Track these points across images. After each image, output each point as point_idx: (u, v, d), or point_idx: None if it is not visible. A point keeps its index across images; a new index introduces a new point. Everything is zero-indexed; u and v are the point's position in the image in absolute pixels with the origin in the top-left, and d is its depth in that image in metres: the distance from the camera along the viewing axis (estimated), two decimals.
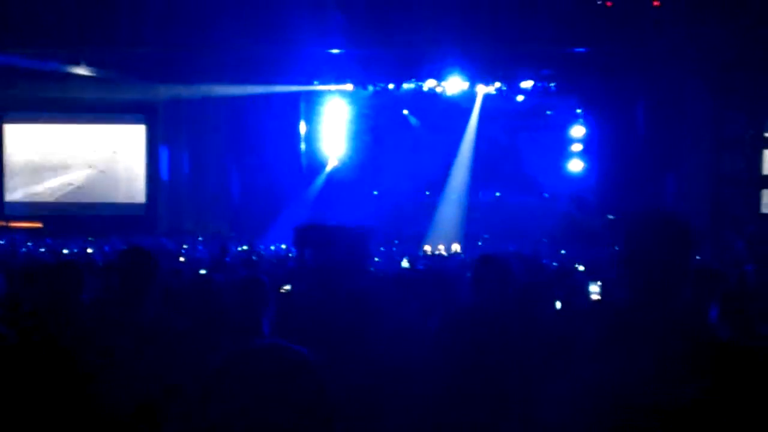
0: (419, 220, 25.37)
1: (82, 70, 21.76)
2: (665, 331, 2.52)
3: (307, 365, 2.15)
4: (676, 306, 2.59)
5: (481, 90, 24.91)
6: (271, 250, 18.46)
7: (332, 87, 25.00)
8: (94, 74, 22.09)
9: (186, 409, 2.70)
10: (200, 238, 22.38)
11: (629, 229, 2.70)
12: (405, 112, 26.81)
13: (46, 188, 25.98)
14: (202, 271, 9.72)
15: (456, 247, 21.48)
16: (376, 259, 16.05)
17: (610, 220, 23.70)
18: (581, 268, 11.83)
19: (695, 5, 18.51)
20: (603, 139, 25.54)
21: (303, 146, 26.80)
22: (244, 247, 17.93)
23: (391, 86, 24.75)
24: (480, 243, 22.72)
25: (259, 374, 2.08)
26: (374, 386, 3.75)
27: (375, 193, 26.94)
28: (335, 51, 20.58)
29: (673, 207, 20.36)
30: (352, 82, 24.69)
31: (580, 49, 20.28)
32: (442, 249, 20.71)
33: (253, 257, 13.78)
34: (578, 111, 26.16)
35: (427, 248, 21.49)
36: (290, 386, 2.07)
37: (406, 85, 24.57)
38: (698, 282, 5.40)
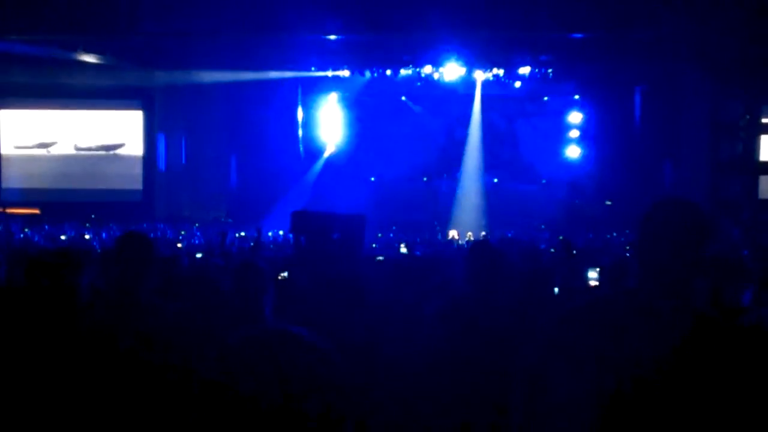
0: (417, 206, 25.40)
1: (79, 56, 21.72)
2: (677, 319, 2.52)
3: (315, 349, 2.19)
4: (688, 293, 2.59)
5: (479, 76, 24.86)
6: (268, 236, 18.46)
7: (329, 73, 24.93)
8: (92, 60, 22.05)
9: (195, 392, 2.71)
10: (197, 225, 22.39)
11: (644, 216, 2.69)
12: (403, 98, 26.77)
13: (43, 174, 25.94)
14: (199, 255, 9.72)
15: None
16: (374, 245, 16.08)
17: (608, 206, 23.77)
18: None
19: None
20: (600, 126, 25.55)
21: (301, 132, 26.77)
22: (242, 234, 17.93)
23: (388, 72, 24.70)
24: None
25: (268, 358, 2.10)
26: (367, 372, 3.75)
27: (372, 179, 26.93)
28: (332, 37, 20.51)
29: (670, 193, 20.36)
30: (349, 68, 24.65)
31: (578, 35, 20.23)
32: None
33: (251, 243, 13.78)
34: (576, 97, 26.16)
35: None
36: (298, 369, 2.10)
37: (403, 71, 24.52)
38: (717, 270, 5.43)
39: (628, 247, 14.96)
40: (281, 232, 19.60)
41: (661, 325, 2.51)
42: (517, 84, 25.12)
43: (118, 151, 26.25)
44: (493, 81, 25.00)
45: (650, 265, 2.61)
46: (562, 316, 2.70)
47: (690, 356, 2.46)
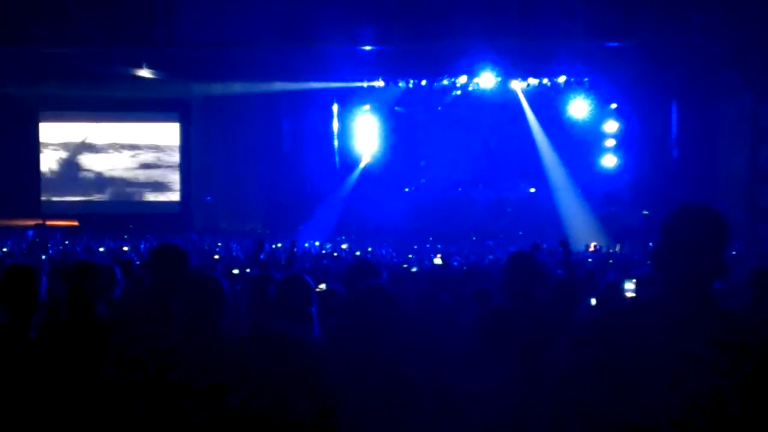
0: (452, 216, 25.33)
1: (117, 69, 21.92)
2: (703, 324, 2.50)
3: (303, 349, 2.27)
4: (709, 298, 2.56)
5: (516, 86, 24.82)
6: (305, 247, 18.49)
7: (365, 84, 24.97)
8: (130, 73, 22.25)
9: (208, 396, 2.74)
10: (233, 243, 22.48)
11: (663, 222, 2.67)
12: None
13: (82, 187, 26.21)
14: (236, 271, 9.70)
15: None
16: (410, 255, 16.06)
17: (646, 215, 23.54)
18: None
19: None
20: (637, 135, 25.35)
21: (336, 143, 26.82)
22: (278, 245, 17.96)
23: (423, 82, 24.73)
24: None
25: (260, 359, 2.19)
26: (400, 383, 3.74)
27: (406, 190, 26.90)
28: (367, 47, 20.57)
29: (708, 201, 20.24)
30: (383, 78, 24.68)
31: (614, 44, 20.14)
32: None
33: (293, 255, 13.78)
34: (612, 106, 25.95)
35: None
36: (287, 369, 2.17)
37: (438, 81, 24.54)
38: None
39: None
40: (317, 243, 19.64)
41: (688, 331, 2.49)
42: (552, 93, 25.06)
43: (156, 163, 26.44)
44: (529, 90, 24.94)
45: (672, 271, 2.59)
46: (587, 325, 2.69)
47: (718, 360, 2.44)
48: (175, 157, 26.44)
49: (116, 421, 3.55)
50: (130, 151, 26.38)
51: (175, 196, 26.46)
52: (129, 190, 26.39)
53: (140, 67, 22.03)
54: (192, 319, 3.86)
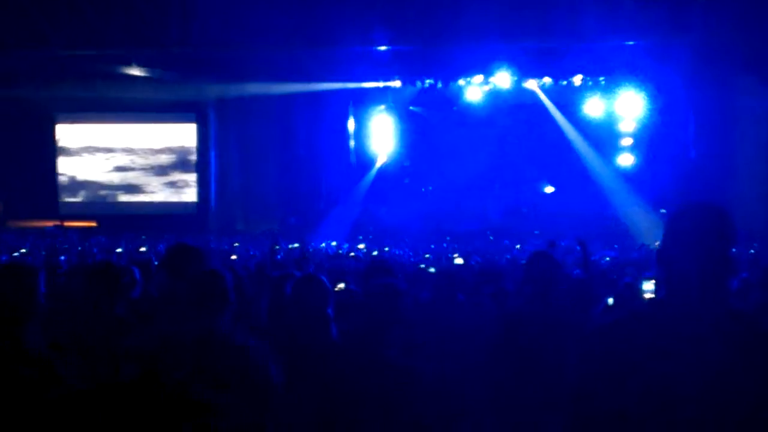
0: (469, 216, 25.28)
1: (133, 70, 22.01)
2: (715, 325, 2.48)
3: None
4: (720, 298, 2.53)
5: (532, 85, 24.78)
6: (321, 247, 18.51)
7: (380, 84, 24.98)
8: (145, 74, 22.33)
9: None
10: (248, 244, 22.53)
11: (667, 221, 2.65)
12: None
13: (100, 188, 26.33)
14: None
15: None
16: (427, 255, 16.05)
17: (663, 214, 23.44)
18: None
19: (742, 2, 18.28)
20: (655, 134, 25.28)
21: (352, 144, 26.84)
22: (295, 245, 18.00)
23: (439, 84, 24.74)
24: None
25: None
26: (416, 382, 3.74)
27: (423, 189, 26.92)
28: (383, 48, 20.58)
29: (725, 200, 20.13)
30: (400, 78, 24.69)
31: (630, 43, 20.09)
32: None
33: (305, 255, 13.79)
34: (629, 105, 25.87)
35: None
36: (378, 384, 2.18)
37: (454, 81, 24.55)
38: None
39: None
40: (334, 243, 19.64)
41: (700, 333, 2.46)
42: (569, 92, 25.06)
43: (172, 164, 26.53)
44: (544, 89, 24.93)
45: (678, 271, 2.56)
46: (598, 331, 2.67)
47: (732, 362, 2.41)
48: (192, 159, 26.51)
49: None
50: (146, 152, 26.48)
51: (192, 198, 26.52)
52: (146, 191, 26.47)
53: (156, 68, 22.14)
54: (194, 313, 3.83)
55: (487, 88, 24.65)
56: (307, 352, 3.82)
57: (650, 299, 4.45)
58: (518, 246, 19.59)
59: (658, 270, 2.68)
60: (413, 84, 24.88)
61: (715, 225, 2.54)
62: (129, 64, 21.80)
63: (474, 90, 24.89)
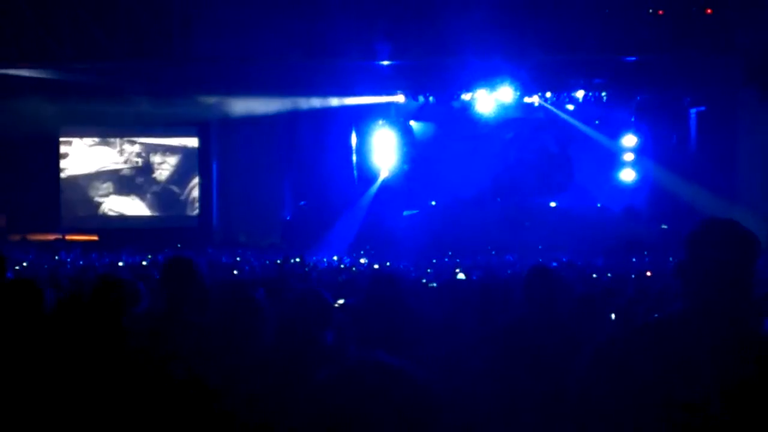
0: (471, 230, 25.22)
1: (136, 85, 22.05)
2: (727, 342, 2.48)
3: (411, 380, 2.05)
4: (737, 316, 2.54)
5: (535, 99, 24.83)
6: (323, 262, 18.49)
7: (383, 99, 25.01)
8: (148, 89, 22.36)
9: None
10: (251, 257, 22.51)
11: (690, 237, 2.65)
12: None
13: (101, 202, 26.32)
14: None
15: None
16: (429, 270, 16.03)
17: (664, 230, 23.44)
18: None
19: (747, 13, 18.30)
20: (656, 149, 25.30)
21: (355, 158, 26.84)
22: (297, 260, 18.00)
23: (433, 98, 24.80)
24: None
25: (363, 391, 1.99)
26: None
27: (432, 203, 26.97)
28: (385, 62, 20.62)
29: (727, 215, 20.14)
30: (403, 93, 24.73)
31: (632, 58, 20.12)
32: None
33: (306, 269, 13.80)
34: (632, 119, 25.93)
35: None
36: (394, 402, 1.98)
37: (456, 96, 24.59)
38: None
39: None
40: (336, 258, 19.63)
41: (718, 347, 2.47)
42: (570, 107, 25.08)
43: (175, 179, 26.52)
44: (546, 104, 24.97)
45: (698, 287, 2.57)
46: (611, 341, 2.67)
47: (749, 378, 2.42)
48: (194, 173, 26.48)
49: None
50: (148, 165, 26.48)
51: (194, 211, 26.50)
52: (148, 205, 26.47)
53: (158, 82, 22.18)
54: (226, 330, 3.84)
55: (490, 102, 24.65)
56: (310, 368, 3.81)
57: (668, 312, 4.46)
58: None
59: (676, 284, 2.69)
60: (415, 99, 24.91)
61: (737, 243, 2.55)
62: (132, 78, 21.82)
63: (476, 104, 24.89)
